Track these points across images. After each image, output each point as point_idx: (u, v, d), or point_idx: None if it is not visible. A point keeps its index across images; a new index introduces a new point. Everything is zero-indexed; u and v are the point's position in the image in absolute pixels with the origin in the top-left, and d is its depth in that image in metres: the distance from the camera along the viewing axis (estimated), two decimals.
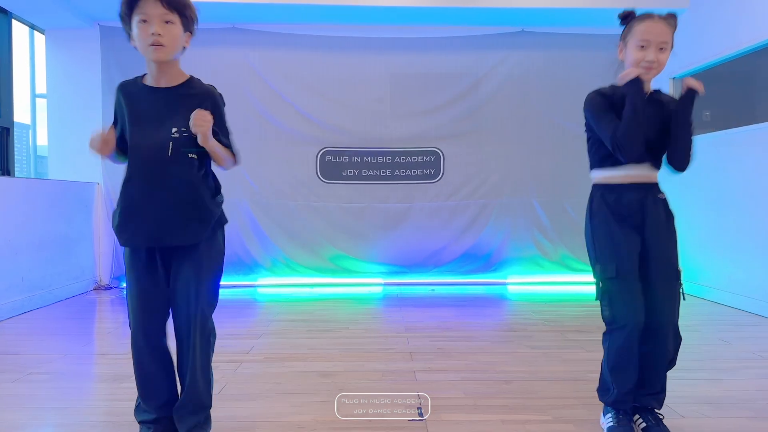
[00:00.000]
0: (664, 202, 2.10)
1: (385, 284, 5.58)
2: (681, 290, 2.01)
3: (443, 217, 5.60)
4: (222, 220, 1.96)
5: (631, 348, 1.95)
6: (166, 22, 1.75)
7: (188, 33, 1.86)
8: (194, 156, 1.83)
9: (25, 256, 4.25)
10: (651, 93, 2.06)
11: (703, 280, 4.87)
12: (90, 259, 5.27)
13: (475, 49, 5.52)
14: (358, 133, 5.50)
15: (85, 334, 3.79)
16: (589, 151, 2.15)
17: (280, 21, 5.36)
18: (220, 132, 1.90)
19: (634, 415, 2.06)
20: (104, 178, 5.33)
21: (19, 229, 4.20)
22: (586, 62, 5.47)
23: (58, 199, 4.78)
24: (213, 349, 1.97)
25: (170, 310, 1.90)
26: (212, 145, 1.82)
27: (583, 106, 2.12)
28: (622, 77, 1.99)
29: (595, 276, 2.05)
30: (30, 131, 5.62)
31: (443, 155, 5.57)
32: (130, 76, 5.92)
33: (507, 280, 5.61)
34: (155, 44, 1.75)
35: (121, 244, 1.87)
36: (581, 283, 5.40)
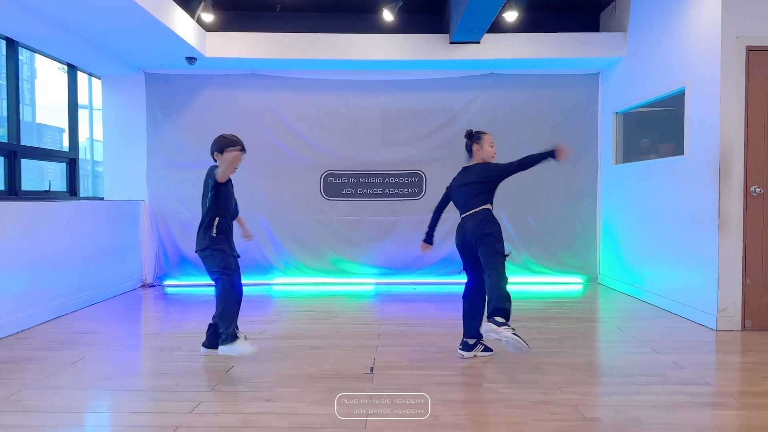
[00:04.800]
0: None
1: (377, 283, 6.73)
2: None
3: (425, 227, 6.66)
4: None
5: None
6: None
7: (216, 153, 3.56)
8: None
9: (92, 260, 5.50)
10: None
11: (635, 281, 5.91)
12: (137, 262, 6.53)
13: (451, 89, 6.65)
14: (354, 158, 6.67)
15: (139, 320, 5.03)
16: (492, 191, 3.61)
17: (291, 68, 6.54)
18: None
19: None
20: (149, 197, 6.58)
21: (87, 239, 5.45)
22: (543, 98, 6.59)
23: (114, 214, 6.04)
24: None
25: None
26: None
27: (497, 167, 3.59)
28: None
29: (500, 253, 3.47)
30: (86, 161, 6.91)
31: (425, 176, 6.70)
32: (169, 114, 7.29)
33: None
34: None
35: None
36: (540, 283, 6.51)
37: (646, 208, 5.65)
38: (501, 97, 6.66)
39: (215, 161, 3.56)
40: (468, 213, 3.68)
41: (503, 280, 3.41)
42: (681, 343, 4.04)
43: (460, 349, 3.73)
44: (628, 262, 6.11)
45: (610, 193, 6.50)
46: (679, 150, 5.11)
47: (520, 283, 6.61)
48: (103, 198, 6.66)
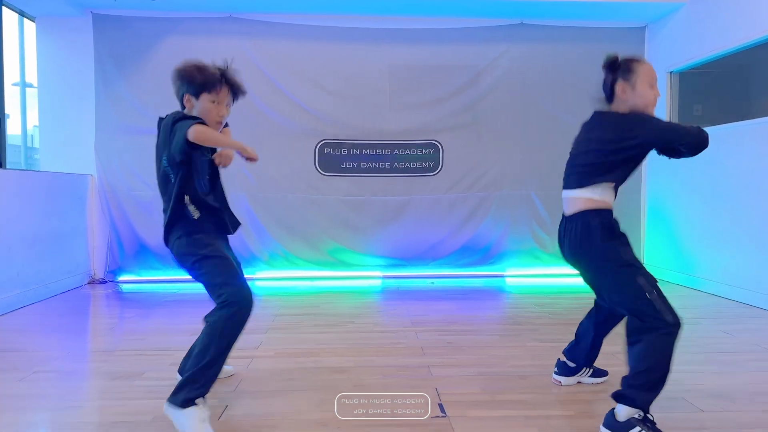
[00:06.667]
0: None
1: (384, 277, 5.57)
2: None
3: (442, 209, 5.59)
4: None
5: None
6: (227, 105, 2.24)
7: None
8: None
9: (19, 250, 4.15)
10: None
11: (698, 272, 4.93)
12: (84, 252, 5.17)
13: (474, 41, 5.50)
14: (357, 125, 5.46)
15: (84, 330, 3.73)
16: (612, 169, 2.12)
17: (277, 11, 5.28)
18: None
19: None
20: (98, 171, 5.22)
21: (13, 222, 4.10)
22: (585, 55, 5.49)
23: (51, 191, 4.68)
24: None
25: None
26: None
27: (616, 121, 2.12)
28: None
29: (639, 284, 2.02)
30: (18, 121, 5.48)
31: (442, 148, 5.55)
32: (124, 67, 5.76)
33: (505, 273, 5.63)
34: (219, 122, 2.24)
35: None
36: (575, 275, 5.44)
37: (721, 185, 4.65)
38: (533, 52, 5.54)
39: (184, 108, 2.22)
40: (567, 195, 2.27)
41: (653, 345, 1.95)
42: None
43: (555, 373, 2.60)
44: (685, 248, 5.12)
45: (660, 169, 5.47)
46: (745, 113, 4.14)
47: (553, 275, 5.58)
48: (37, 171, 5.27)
